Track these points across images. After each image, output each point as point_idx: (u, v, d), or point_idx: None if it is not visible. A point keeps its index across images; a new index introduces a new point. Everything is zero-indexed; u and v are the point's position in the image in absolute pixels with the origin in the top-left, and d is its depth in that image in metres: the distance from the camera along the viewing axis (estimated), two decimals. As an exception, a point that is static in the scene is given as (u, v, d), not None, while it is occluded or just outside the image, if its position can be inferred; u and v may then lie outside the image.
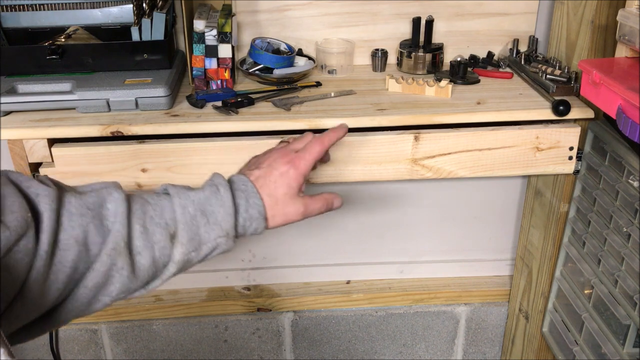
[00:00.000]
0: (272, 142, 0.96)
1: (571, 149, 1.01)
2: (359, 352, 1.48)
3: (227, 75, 1.04)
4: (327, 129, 0.96)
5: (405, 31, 1.17)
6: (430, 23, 1.13)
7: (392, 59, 1.18)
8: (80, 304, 0.60)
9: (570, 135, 1.00)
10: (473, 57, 1.17)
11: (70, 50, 1.02)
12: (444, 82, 1.04)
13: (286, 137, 0.94)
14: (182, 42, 1.13)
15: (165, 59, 1.04)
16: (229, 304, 1.40)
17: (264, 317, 1.42)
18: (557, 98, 0.98)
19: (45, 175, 0.62)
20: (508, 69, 1.16)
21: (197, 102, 1.00)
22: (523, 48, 1.18)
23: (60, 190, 0.60)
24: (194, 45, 1.02)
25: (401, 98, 1.04)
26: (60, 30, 1.08)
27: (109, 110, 0.97)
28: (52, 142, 0.95)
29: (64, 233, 0.58)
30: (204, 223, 0.67)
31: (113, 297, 0.62)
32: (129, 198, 0.64)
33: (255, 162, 0.77)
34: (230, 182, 0.72)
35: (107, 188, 0.64)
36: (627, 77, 0.85)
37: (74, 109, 0.97)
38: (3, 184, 0.56)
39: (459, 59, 1.13)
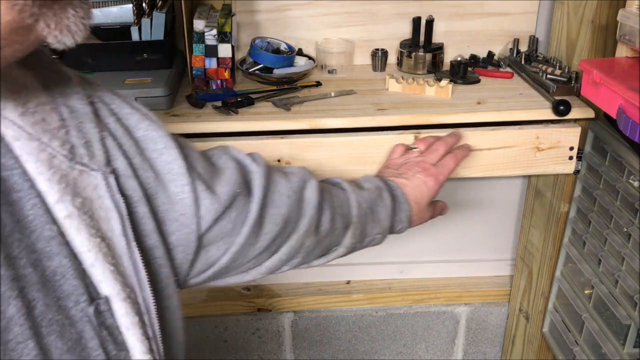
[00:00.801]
0: (272, 142, 0.96)
1: (571, 149, 1.01)
2: (359, 352, 1.48)
3: (227, 75, 1.04)
4: (327, 129, 0.96)
5: (405, 31, 1.17)
6: (430, 23, 1.13)
7: (392, 58, 1.18)
8: (269, 267, 0.69)
9: (570, 135, 1.00)
10: (473, 57, 1.17)
11: (70, 50, 1.02)
12: (444, 82, 1.04)
13: (421, 132, 0.98)
14: (182, 42, 1.13)
15: (165, 59, 1.04)
16: (229, 304, 1.40)
17: (264, 317, 1.42)
18: (557, 98, 0.98)
19: (257, 153, 0.70)
20: (508, 69, 1.16)
21: (197, 102, 1.00)
22: (523, 48, 1.18)
23: (270, 169, 0.69)
24: (194, 45, 1.02)
25: (401, 98, 1.04)
26: (60, 30, 1.07)
27: (109, 110, 0.97)
28: (52, 142, 0.95)
29: (275, 208, 0.66)
30: (371, 220, 0.78)
31: (294, 266, 0.73)
32: (320, 187, 0.73)
33: (395, 170, 0.88)
34: (387, 184, 0.82)
35: (305, 175, 0.73)
36: (627, 77, 0.85)
37: (73, 108, 0.97)
38: (227, 159, 0.64)
39: (459, 58, 1.13)
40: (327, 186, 0.76)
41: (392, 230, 0.83)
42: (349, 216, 0.76)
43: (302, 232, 0.69)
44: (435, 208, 0.91)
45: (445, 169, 0.87)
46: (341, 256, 0.79)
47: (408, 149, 0.92)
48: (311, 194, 0.71)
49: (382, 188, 0.80)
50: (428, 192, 0.85)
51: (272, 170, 0.69)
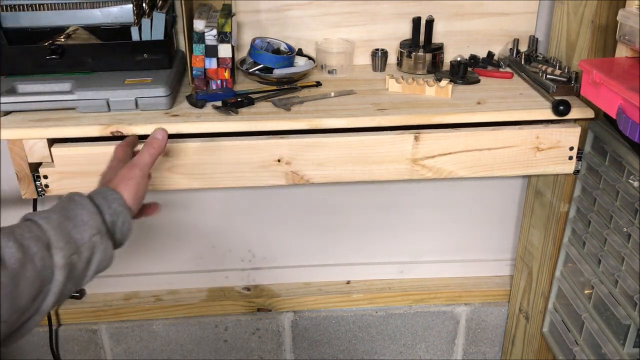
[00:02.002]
0: (272, 142, 0.96)
1: (571, 149, 1.01)
2: (359, 352, 1.48)
3: (227, 75, 1.04)
4: (327, 129, 0.97)
5: (405, 31, 1.17)
6: (430, 23, 1.13)
7: (392, 59, 1.18)
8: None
9: (570, 135, 1.00)
10: (473, 57, 1.17)
11: (70, 50, 1.02)
12: (444, 82, 1.04)
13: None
14: (182, 42, 1.13)
15: (165, 59, 1.04)
16: (229, 304, 1.40)
17: (264, 317, 1.42)
18: (557, 98, 0.98)
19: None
20: (508, 69, 1.16)
21: (197, 102, 1.00)
22: (523, 48, 1.18)
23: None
24: (194, 45, 1.02)
25: (401, 98, 1.04)
26: (60, 30, 1.08)
27: (109, 110, 0.97)
28: (52, 142, 0.95)
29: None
30: (72, 226, 0.70)
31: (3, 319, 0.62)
32: (9, 231, 0.65)
33: (99, 182, 0.83)
34: (78, 193, 0.76)
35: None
36: (627, 77, 0.85)
37: (73, 108, 0.97)
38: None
39: (459, 58, 1.13)
40: (9, 227, 0.69)
41: (112, 226, 0.76)
42: (42, 235, 0.68)
43: (9, 275, 0.61)
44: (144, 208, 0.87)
45: (142, 153, 0.84)
46: (66, 283, 0.69)
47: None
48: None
49: (71, 195, 0.75)
50: (131, 167, 0.81)
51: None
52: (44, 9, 1.07)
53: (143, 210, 0.87)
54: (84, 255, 0.71)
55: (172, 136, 0.96)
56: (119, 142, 0.95)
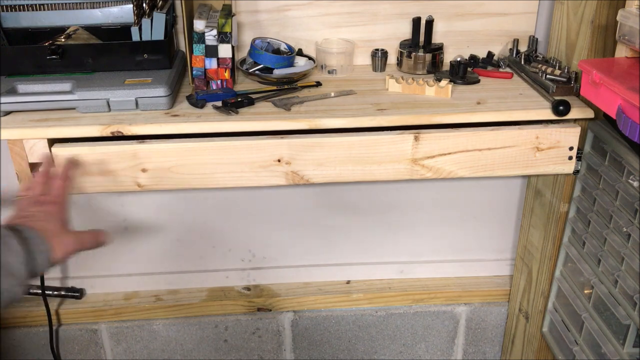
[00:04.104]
0: (272, 142, 0.96)
1: (571, 149, 1.01)
2: (359, 352, 1.49)
3: (227, 75, 1.05)
4: (327, 129, 0.97)
5: (405, 31, 1.17)
6: (430, 23, 1.13)
7: (392, 59, 1.18)
8: None
9: (570, 135, 1.00)
10: (473, 57, 1.17)
11: (70, 50, 1.02)
12: (444, 82, 1.04)
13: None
14: (182, 42, 1.13)
15: (165, 59, 1.04)
16: (229, 304, 1.40)
17: (264, 317, 1.42)
18: (557, 98, 0.98)
19: None
20: (508, 69, 1.16)
21: (197, 102, 1.00)
22: (523, 48, 1.18)
23: None
24: (194, 45, 1.02)
25: (401, 98, 1.04)
26: (60, 30, 1.08)
27: (109, 110, 0.97)
28: (52, 142, 0.95)
29: None
30: (3, 274, 0.68)
31: None
32: None
33: (12, 217, 0.80)
34: (10, 229, 0.73)
35: None
36: (627, 77, 0.85)
37: (74, 109, 0.97)
38: None
39: (459, 59, 1.13)
40: None
41: (33, 275, 0.73)
42: None
43: None
44: (83, 235, 0.83)
45: (56, 191, 0.84)
46: None
47: (14, 200, 0.87)
48: None
49: (7, 236, 0.71)
50: (53, 218, 0.79)
51: None
52: (44, 9, 1.07)
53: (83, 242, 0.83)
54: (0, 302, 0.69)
55: (172, 136, 0.96)
56: (119, 141, 0.95)
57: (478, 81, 1.10)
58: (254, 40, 1.11)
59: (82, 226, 0.84)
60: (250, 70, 1.10)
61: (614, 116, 0.85)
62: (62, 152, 0.95)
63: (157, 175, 0.97)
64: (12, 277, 0.70)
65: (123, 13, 1.09)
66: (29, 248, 0.73)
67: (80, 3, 1.08)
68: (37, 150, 0.95)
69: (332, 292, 1.42)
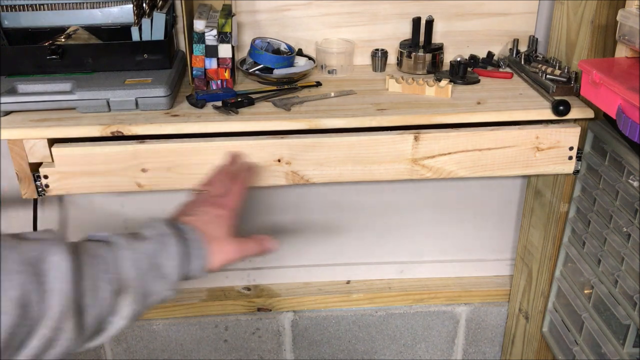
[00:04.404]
0: (272, 142, 0.96)
1: (571, 149, 1.01)
2: (359, 352, 1.48)
3: (227, 75, 1.05)
4: (327, 130, 0.97)
5: (405, 31, 1.17)
6: (430, 23, 1.13)
7: (392, 59, 1.18)
8: None
9: (570, 135, 1.00)
10: (473, 57, 1.17)
11: (70, 50, 1.02)
12: (444, 82, 1.04)
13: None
14: (182, 42, 1.13)
15: (165, 59, 1.04)
16: (229, 304, 1.40)
17: (264, 317, 1.42)
18: (557, 98, 0.98)
19: None
20: (508, 69, 1.16)
21: (197, 102, 1.00)
22: (523, 48, 1.18)
23: None
24: (194, 45, 1.02)
25: (401, 98, 1.04)
26: (60, 30, 1.08)
27: (109, 110, 0.97)
28: (52, 142, 0.95)
29: (3, 294, 0.51)
30: (154, 278, 0.65)
31: (55, 357, 0.57)
32: (74, 249, 0.59)
33: (183, 211, 0.77)
34: (174, 228, 0.69)
35: (48, 238, 0.58)
36: (627, 77, 0.85)
37: (74, 109, 0.97)
38: None
39: (459, 59, 1.13)
40: (85, 245, 0.62)
41: (185, 279, 0.70)
42: (120, 280, 0.61)
43: (54, 315, 0.54)
44: (247, 241, 0.77)
45: (233, 195, 0.80)
46: (123, 328, 0.63)
47: (193, 193, 0.83)
48: (57, 261, 0.56)
49: (165, 235, 0.67)
50: (222, 223, 0.74)
51: None
52: (44, 9, 1.07)
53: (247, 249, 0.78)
54: (148, 303, 0.65)
55: (172, 136, 0.96)
56: (119, 142, 0.95)
57: (478, 81, 1.11)
58: (254, 40, 1.11)
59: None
60: (250, 70, 1.10)
61: (614, 116, 0.85)
62: (61, 152, 0.95)
63: (157, 175, 0.97)
64: (163, 280, 0.66)
65: (123, 13, 1.09)
66: (186, 251, 0.68)
67: (80, 3, 1.08)
68: (37, 150, 0.95)
69: (332, 292, 1.42)
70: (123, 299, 0.62)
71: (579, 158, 1.04)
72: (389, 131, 0.98)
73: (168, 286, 0.66)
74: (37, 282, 0.54)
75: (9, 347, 0.52)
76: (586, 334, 1.07)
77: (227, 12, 1.05)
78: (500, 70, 1.16)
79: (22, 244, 0.56)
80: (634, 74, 0.86)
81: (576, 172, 1.05)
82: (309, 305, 1.41)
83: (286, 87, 1.07)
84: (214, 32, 1.01)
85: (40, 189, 0.97)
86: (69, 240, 0.61)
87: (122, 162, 0.96)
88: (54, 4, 1.07)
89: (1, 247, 0.54)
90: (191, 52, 1.03)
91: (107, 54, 1.03)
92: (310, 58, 1.16)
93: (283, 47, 1.14)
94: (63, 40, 1.06)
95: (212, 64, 1.03)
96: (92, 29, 1.09)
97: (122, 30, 1.06)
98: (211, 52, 1.02)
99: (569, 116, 0.98)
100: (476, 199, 1.37)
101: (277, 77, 1.09)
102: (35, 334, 0.54)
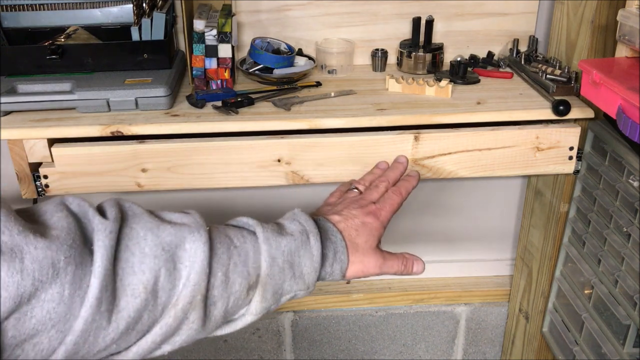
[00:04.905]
0: (272, 142, 0.96)
1: (571, 149, 1.01)
2: (359, 352, 1.48)
3: (227, 75, 1.04)
4: (327, 129, 0.96)
5: (405, 31, 1.17)
6: (430, 23, 1.13)
7: (392, 59, 1.18)
8: (138, 353, 0.54)
9: (570, 135, 1.00)
10: (473, 57, 1.17)
11: (70, 50, 1.02)
12: (444, 82, 1.04)
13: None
14: (182, 42, 1.13)
15: (165, 59, 1.04)
16: (229, 304, 1.40)
17: (263, 317, 1.42)
18: (557, 98, 0.98)
19: (118, 200, 0.56)
20: (508, 69, 1.16)
21: (197, 102, 1.00)
22: (523, 48, 1.18)
23: (128, 219, 0.54)
24: (194, 45, 1.02)
25: (401, 98, 1.04)
26: (60, 30, 1.08)
27: (109, 110, 0.97)
28: (52, 142, 0.95)
29: (131, 275, 0.51)
30: (290, 276, 0.62)
31: (176, 346, 0.57)
32: (211, 236, 0.57)
33: (330, 209, 0.74)
34: (320, 228, 0.67)
35: (188, 222, 0.57)
36: (627, 77, 0.85)
37: (74, 108, 0.97)
38: (61, 217, 0.50)
39: (459, 58, 1.13)
40: (226, 232, 0.60)
41: (320, 280, 0.67)
42: (254, 275, 0.60)
43: (181, 304, 0.54)
44: (391, 257, 0.73)
45: (387, 205, 0.76)
46: (251, 323, 0.63)
47: (346, 190, 0.81)
48: (194, 249, 0.54)
49: (309, 232, 0.64)
50: (368, 232, 0.70)
51: (134, 220, 0.55)
52: (44, 9, 1.07)
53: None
54: (280, 302, 0.64)
55: (172, 136, 0.96)
56: (118, 142, 0.95)
57: (478, 81, 1.10)
58: (254, 40, 1.11)
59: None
60: (250, 70, 1.10)
61: (614, 116, 0.85)
62: (61, 152, 0.95)
63: (157, 175, 0.97)
64: (299, 279, 0.63)
65: (123, 13, 1.09)
66: (328, 254, 0.66)
67: (80, 3, 1.08)
68: (37, 150, 0.95)
69: (332, 292, 1.42)
70: (255, 294, 0.60)
71: (579, 158, 1.03)
72: (389, 131, 0.98)
73: (303, 286, 0.64)
74: (170, 269, 0.53)
75: (134, 330, 0.52)
76: (586, 334, 1.07)
77: (227, 12, 1.05)
78: (501, 70, 1.16)
79: (161, 227, 0.55)
80: (634, 74, 0.86)
81: (576, 172, 1.05)
82: (309, 305, 1.41)
83: (286, 87, 1.07)
84: (214, 32, 1.01)
85: (40, 189, 0.97)
86: (211, 224, 0.60)
87: (121, 162, 0.96)
88: (54, 4, 1.07)
89: (141, 228, 0.54)
90: (191, 52, 1.03)
91: (107, 54, 1.03)
92: (310, 58, 1.16)
93: (283, 47, 1.14)
94: (63, 40, 1.06)
95: (212, 63, 1.03)
96: (92, 29, 1.09)
97: (122, 30, 1.06)
98: (211, 52, 1.02)
99: (569, 116, 0.98)
100: (476, 199, 1.37)
101: (277, 77, 1.09)
102: (160, 321, 0.53)
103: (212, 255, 0.56)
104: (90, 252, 0.50)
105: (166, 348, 0.56)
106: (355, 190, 0.79)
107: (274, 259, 0.61)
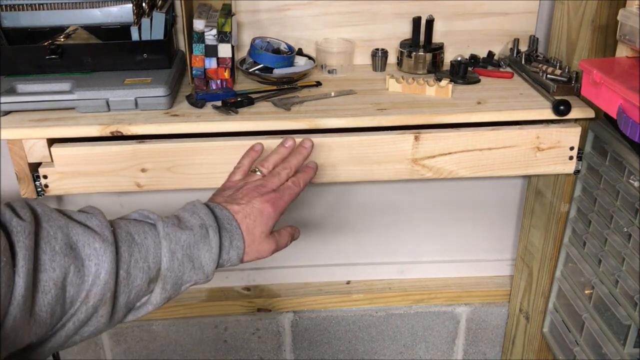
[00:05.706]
0: (272, 142, 0.96)
1: (572, 148, 1.01)
2: (359, 352, 1.48)
3: (226, 75, 1.04)
4: (327, 129, 0.96)
5: (405, 31, 1.17)
6: (430, 23, 1.13)
7: (392, 58, 1.18)
8: (52, 346, 0.59)
9: (570, 135, 1.00)
10: (473, 57, 1.17)
11: (70, 50, 1.02)
12: (444, 82, 1.04)
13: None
14: (182, 42, 1.13)
15: (165, 59, 1.04)
16: (229, 304, 1.40)
17: (264, 317, 1.42)
18: (557, 98, 0.98)
19: (26, 200, 0.59)
20: (508, 69, 1.16)
21: (197, 101, 1.00)
22: (523, 48, 1.18)
23: (43, 219, 0.57)
24: (194, 45, 1.02)
25: (401, 98, 1.04)
26: (59, 30, 1.08)
27: (109, 110, 0.97)
28: (52, 142, 0.95)
29: (44, 274, 0.54)
30: (190, 268, 0.66)
31: (84, 337, 0.62)
32: (114, 234, 0.61)
33: (231, 195, 0.77)
34: (216, 219, 0.70)
35: (94, 226, 0.60)
36: (627, 77, 0.85)
37: (73, 108, 0.97)
38: None
39: (459, 58, 1.13)
40: (128, 229, 0.63)
41: (218, 267, 0.71)
42: (154, 269, 0.63)
43: (92, 301, 0.58)
44: (280, 237, 0.78)
45: (286, 195, 0.78)
46: (151, 312, 0.66)
47: (250, 171, 0.82)
48: (103, 248, 0.58)
49: (208, 226, 0.68)
50: (265, 221, 0.74)
51: (44, 218, 0.57)
52: (44, 9, 1.07)
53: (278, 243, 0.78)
54: (180, 291, 0.67)
55: (171, 136, 0.96)
56: (118, 142, 0.95)
57: (478, 81, 1.10)
58: (253, 40, 1.11)
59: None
60: (250, 70, 1.10)
61: (614, 116, 0.85)
62: (61, 152, 0.95)
63: (156, 175, 0.97)
64: (199, 270, 0.67)
65: (123, 13, 1.09)
66: (225, 243, 0.70)
67: (79, 3, 1.08)
68: (36, 150, 0.95)
69: (332, 292, 1.42)
70: (156, 286, 0.64)
71: (579, 158, 1.03)
72: (389, 131, 0.98)
73: (202, 276, 0.68)
74: (79, 266, 0.57)
75: (50, 324, 0.55)
76: (587, 334, 1.07)
77: (227, 12, 1.05)
78: (501, 70, 1.15)
79: (70, 226, 0.58)
80: (635, 74, 0.86)
81: (577, 172, 1.05)
82: (309, 305, 1.41)
83: (286, 86, 1.07)
84: (214, 31, 1.01)
85: (39, 189, 0.97)
86: (113, 220, 0.64)
87: (121, 162, 0.95)
88: (54, 4, 1.07)
89: (51, 226, 0.57)
90: (191, 51, 1.03)
91: (107, 54, 1.03)
92: (310, 58, 1.16)
93: (283, 47, 1.13)
94: (62, 40, 1.06)
95: (211, 63, 1.03)
96: (92, 29, 1.09)
97: (122, 30, 1.06)
98: (211, 51, 1.02)
99: (570, 116, 0.98)
100: (476, 199, 1.37)
101: (277, 76, 1.08)
102: (72, 316, 0.57)
103: (116, 253, 0.60)
104: (14, 253, 0.52)
105: (75, 339, 0.62)
106: (259, 173, 0.81)
107: (174, 253, 0.64)
